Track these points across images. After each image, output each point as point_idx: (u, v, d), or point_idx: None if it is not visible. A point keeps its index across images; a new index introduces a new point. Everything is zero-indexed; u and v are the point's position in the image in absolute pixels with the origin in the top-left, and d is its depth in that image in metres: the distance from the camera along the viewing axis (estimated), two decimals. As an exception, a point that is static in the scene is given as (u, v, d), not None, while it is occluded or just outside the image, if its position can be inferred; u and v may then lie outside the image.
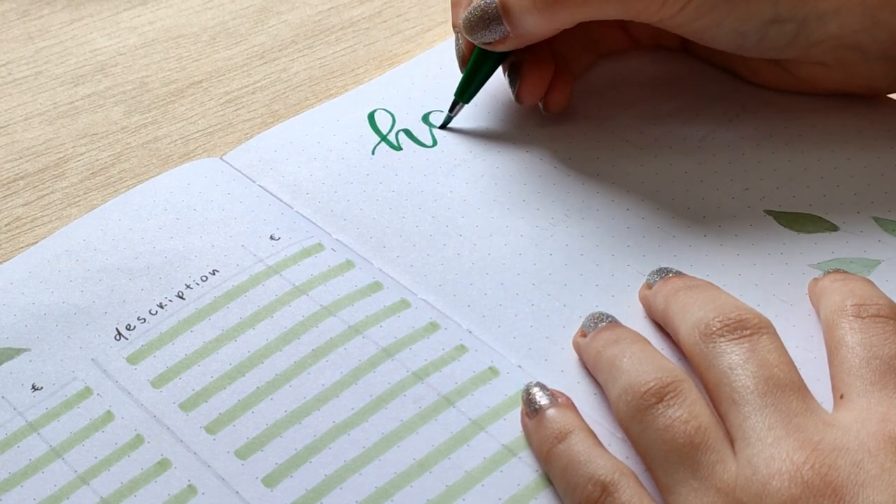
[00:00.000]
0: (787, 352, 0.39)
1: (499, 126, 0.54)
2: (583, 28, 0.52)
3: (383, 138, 0.54)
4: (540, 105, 0.53)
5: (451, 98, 0.54)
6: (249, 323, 0.45)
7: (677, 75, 0.56)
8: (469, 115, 0.54)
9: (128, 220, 0.50)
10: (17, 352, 0.45)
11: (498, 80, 0.56)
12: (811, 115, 0.53)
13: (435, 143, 0.53)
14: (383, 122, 0.55)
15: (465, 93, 0.53)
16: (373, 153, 0.53)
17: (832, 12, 0.48)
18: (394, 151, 0.53)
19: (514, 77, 0.52)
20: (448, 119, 0.54)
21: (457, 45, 0.53)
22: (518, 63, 0.52)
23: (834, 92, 0.53)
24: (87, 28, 0.63)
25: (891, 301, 0.41)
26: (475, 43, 0.51)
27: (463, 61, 0.53)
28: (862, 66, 0.50)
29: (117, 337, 0.45)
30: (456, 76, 0.54)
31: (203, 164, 0.53)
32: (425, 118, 0.55)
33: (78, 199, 0.53)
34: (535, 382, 0.41)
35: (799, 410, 0.37)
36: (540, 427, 0.40)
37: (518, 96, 0.52)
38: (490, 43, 0.50)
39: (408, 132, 0.54)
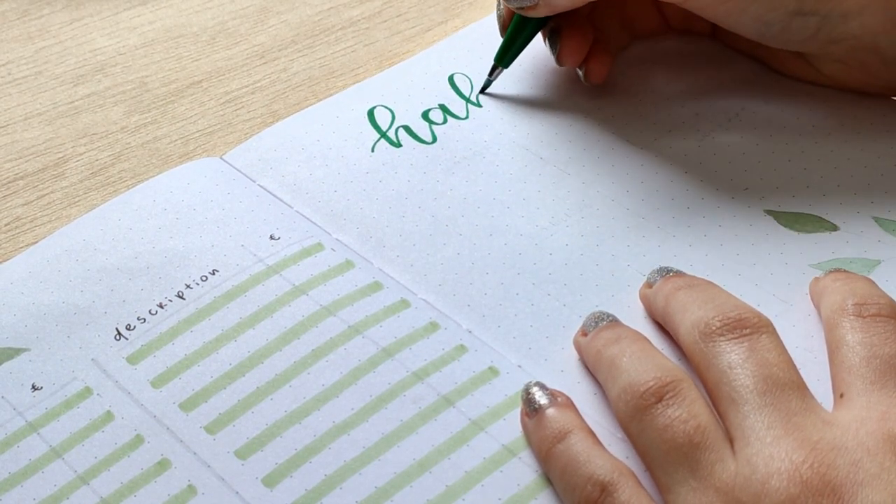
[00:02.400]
0: (786, 351, 0.39)
1: (498, 125, 0.54)
2: (619, 7, 0.55)
3: (383, 135, 0.54)
4: (580, 74, 0.55)
5: (455, 92, 0.55)
6: (249, 323, 0.45)
7: (693, 67, 0.56)
8: (468, 113, 0.54)
9: (128, 219, 0.50)
10: (17, 351, 0.45)
11: (498, 80, 0.56)
12: (811, 115, 0.53)
13: (434, 139, 0.53)
14: (383, 119, 0.55)
15: (504, 57, 0.55)
16: (372, 150, 0.53)
17: (855, 12, 0.48)
18: (393, 148, 0.53)
19: (554, 40, 0.54)
20: (487, 83, 0.56)
21: (498, 10, 0.55)
22: (557, 28, 0.54)
23: (854, 90, 0.53)
24: (86, 28, 0.63)
25: (892, 300, 0.41)
26: (511, 8, 0.53)
27: (503, 27, 0.55)
28: (881, 68, 0.51)
29: (117, 337, 0.45)
30: (454, 73, 0.55)
31: (203, 164, 0.53)
32: (425, 115, 0.55)
33: (78, 198, 0.53)
34: (534, 382, 0.41)
35: (798, 409, 0.37)
36: (539, 427, 0.40)
37: (559, 58, 0.54)
38: (523, 8, 0.52)
39: (407, 129, 0.54)
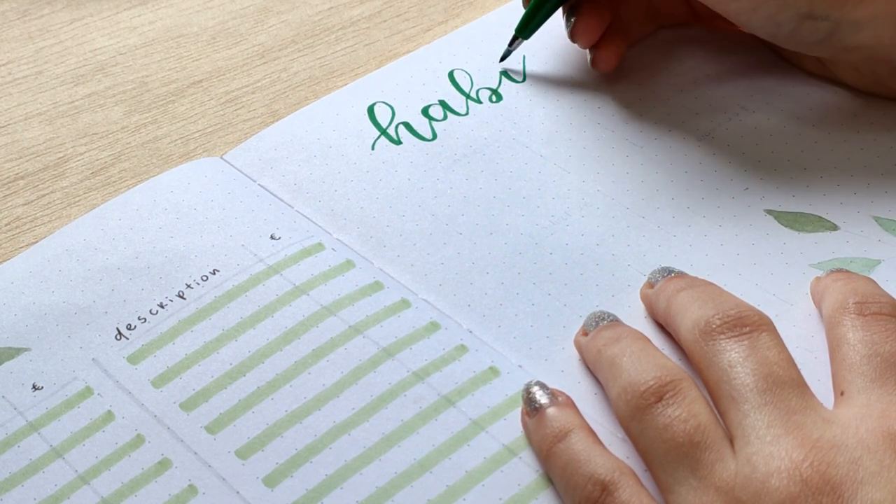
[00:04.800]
0: (786, 349, 0.39)
1: (497, 122, 0.54)
2: None
3: (383, 132, 0.54)
4: (587, 58, 0.56)
5: (455, 88, 0.56)
6: (250, 323, 0.45)
7: (693, 66, 0.56)
8: (468, 109, 0.54)
9: (128, 219, 0.50)
10: (18, 351, 0.45)
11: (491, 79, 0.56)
12: (811, 114, 0.53)
13: (434, 136, 0.53)
14: (383, 116, 0.55)
15: (525, 29, 0.56)
16: (372, 148, 0.53)
17: (866, 21, 0.48)
18: (393, 146, 0.53)
19: (570, 16, 0.55)
20: (507, 53, 0.57)
21: None
22: (576, 4, 0.54)
23: (867, 93, 0.53)
24: (87, 28, 0.63)
25: (893, 299, 0.41)
26: None
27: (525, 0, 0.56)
28: (892, 79, 0.51)
29: (118, 336, 0.45)
30: (454, 69, 0.55)
31: (203, 164, 0.53)
32: (425, 111, 0.55)
33: (78, 198, 0.53)
34: (534, 381, 0.41)
35: (798, 408, 0.37)
36: (540, 426, 0.40)
37: (572, 34, 0.55)
38: None
39: (407, 125, 0.54)
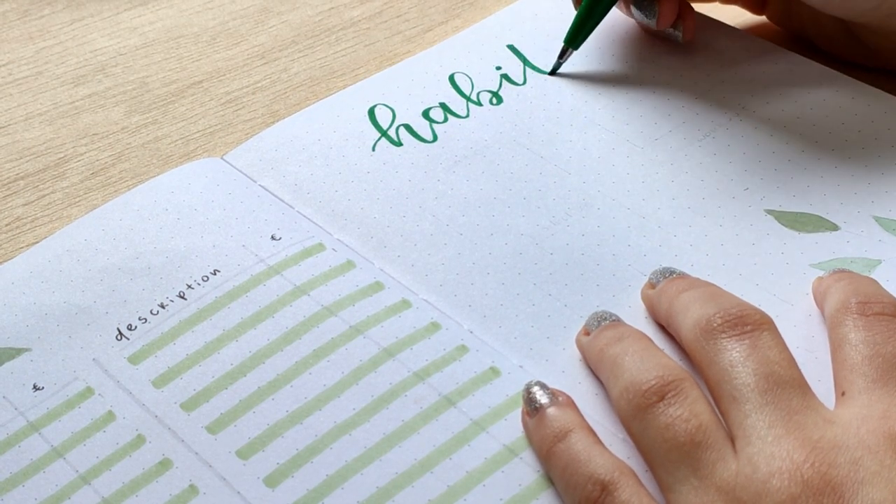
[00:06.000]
0: (787, 348, 0.39)
1: (498, 123, 0.54)
2: None
3: (384, 134, 0.54)
4: (678, 35, 0.55)
5: (456, 90, 0.55)
6: (250, 323, 0.45)
7: (695, 65, 0.56)
8: (469, 112, 0.54)
9: (129, 220, 0.50)
10: (19, 352, 0.45)
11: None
12: (811, 114, 0.53)
13: (435, 138, 0.53)
14: (383, 118, 0.55)
15: (575, 39, 0.55)
16: (373, 149, 0.53)
17: None
18: (394, 147, 0.53)
19: (648, 6, 0.54)
20: (557, 66, 0.56)
21: None
22: None
23: (891, 69, 0.53)
24: (87, 28, 0.63)
25: (895, 300, 0.41)
26: None
27: (576, 2, 0.55)
28: None
29: (118, 337, 0.45)
30: (455, 73, 0.55)
31: (204, 164, 0.53)
32: (426, 114, 0.55)
33: (78, 199, 0.53)
34: (535, 381, 0.41)
35: (799, 408, 0.37)
36: (540, 426, 0.40)
37: (659, 21, 0.54)
38: None
39: (408, 127, 0.54)
